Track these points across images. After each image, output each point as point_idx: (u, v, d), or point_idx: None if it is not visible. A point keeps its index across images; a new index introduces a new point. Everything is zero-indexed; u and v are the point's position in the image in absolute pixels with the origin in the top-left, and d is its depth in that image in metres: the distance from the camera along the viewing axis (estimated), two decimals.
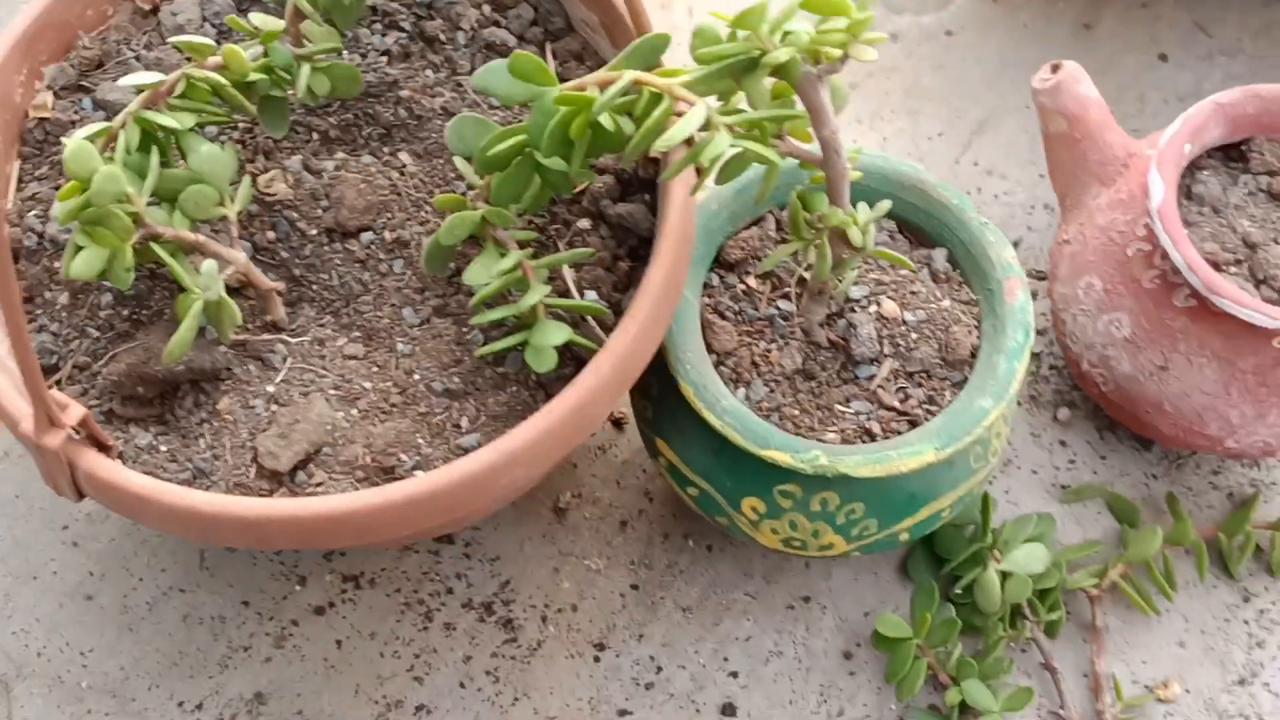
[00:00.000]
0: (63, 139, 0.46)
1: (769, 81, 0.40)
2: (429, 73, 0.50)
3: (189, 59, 0.45)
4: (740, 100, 0.41)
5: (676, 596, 0.57)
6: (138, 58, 0.50)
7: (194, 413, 0.44)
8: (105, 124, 0.42)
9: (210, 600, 0.56)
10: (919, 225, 0.51)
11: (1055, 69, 0.53)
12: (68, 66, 0.49)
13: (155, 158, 0.42)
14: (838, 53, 0.38)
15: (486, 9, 0.51)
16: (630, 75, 0.39)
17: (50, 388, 0.45)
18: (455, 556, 0.58)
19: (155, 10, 0.51)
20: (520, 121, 0.47)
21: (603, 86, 0.40)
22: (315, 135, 0.49)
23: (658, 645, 0.56)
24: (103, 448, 0.41)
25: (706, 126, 0.38)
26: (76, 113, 0.49)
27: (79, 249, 0.41)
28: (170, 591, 0.56)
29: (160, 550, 0.57)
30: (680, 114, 0.38)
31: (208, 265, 0.42)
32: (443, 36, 0.50)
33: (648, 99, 0.39)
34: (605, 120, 0.39)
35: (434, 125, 0.49)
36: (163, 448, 0.43)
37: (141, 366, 0.43)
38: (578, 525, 0.58)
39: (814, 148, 0.42)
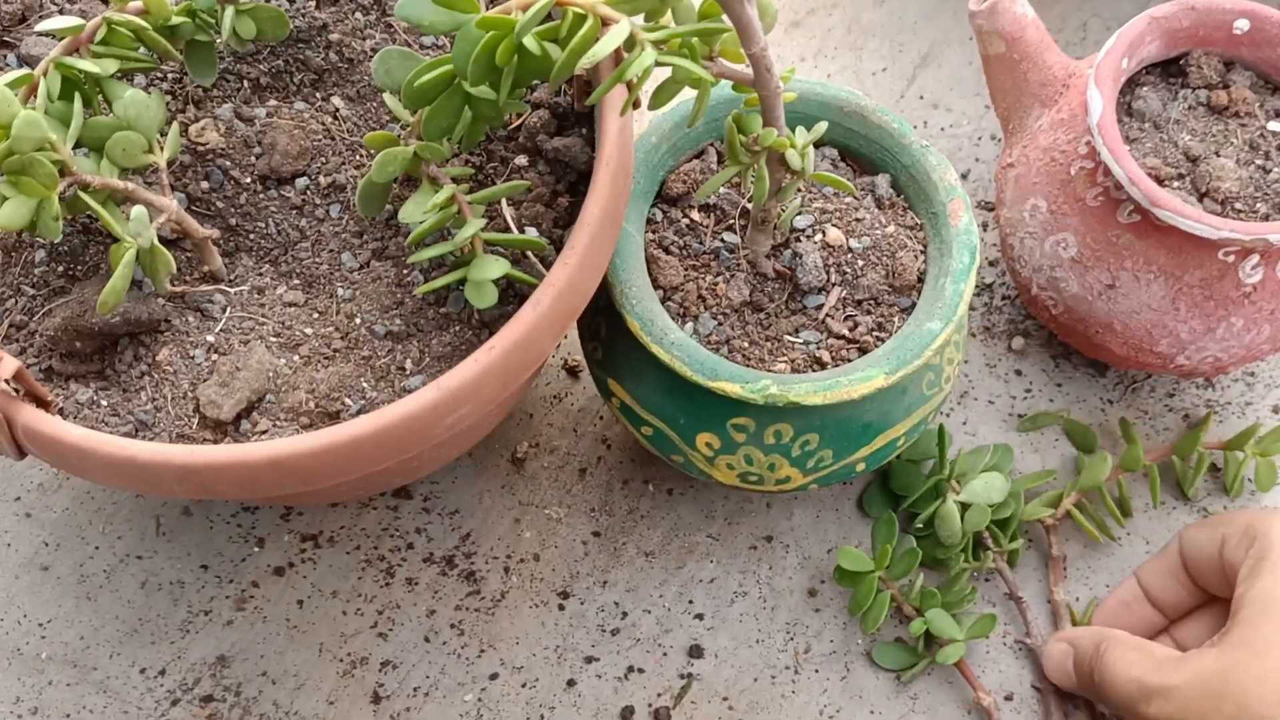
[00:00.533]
0: None
1: None
2: (358, 15, 0.49)
3: (107, 3, 0.45)
4: (668, 21, 0.40)
5: (639, 542, 0.57)
6: (61, 11, 0.49)
7: (134, 366, 0.43)
8: (26, 71, 0.41)
9: (168, 566, 0.56)
10: (860, 151, 0.51)
11: None
12: None
13: (78, 104, 0.41)
14: None
15: None
16: None
17: None
18: (414, 511, 0.57)
19: None
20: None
21: (525, 10, 0.39)
22: (245, 83, 0.48)
23: (622, 591, 0.55)
24: (41, 403, 0.41)
25: (631, 45, 0.37)
26: (2, 67, 0.48)
27: (3, 200, 0.40)
28: (127, 559, 0.56)
29: (115, 518, 0.57)
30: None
31: (137, 211, 0.41)
32: None
33: (572, 20, 0.39)
34: (530, 44, 0.38)
35: (365, 69, 0.48)
36: (104, 402, 0.43)
37: (77, 320, 0.42)
38: (536, 475, 0.58)
39: (746, 68, 0.42)
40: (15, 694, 0.53)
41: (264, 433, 0.42)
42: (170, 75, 0.48)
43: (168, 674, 0.54)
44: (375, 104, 0.48)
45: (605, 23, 0.38)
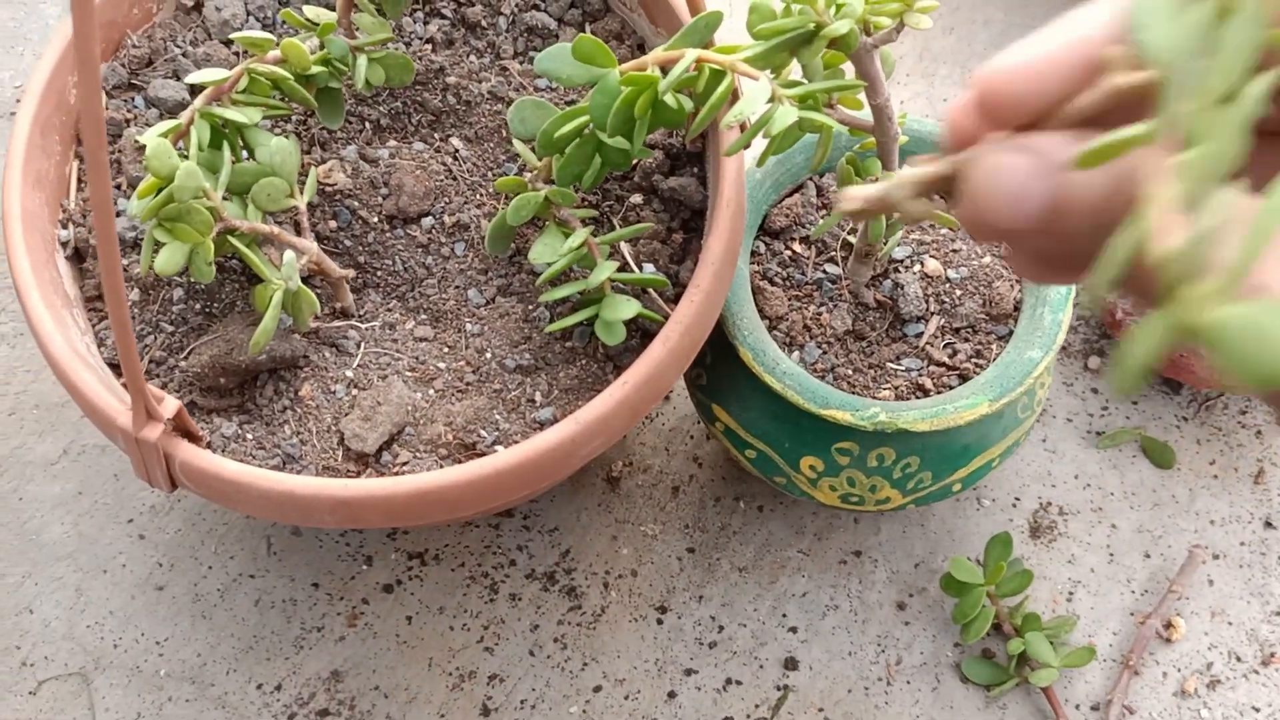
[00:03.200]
0: (132, 138, 0.47)
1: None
2: (473, 58, 0.51)
3: (243, 54, 0.46)
4: (790, 73, 0.42)
5: (732, 557, 0.59)
6: (184, 54, 0.50)
7: (275, 400, 0.45)
8: (174, 121, 0.43)
9: (280, 584, 0.58)
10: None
11: None
12: (118, 65, 0.50)
13: (227, 152, 0.43)
14: (891, 22, 0.40)
15: None
16: (694, 54, 0.40)
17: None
18: (515, 529, 0.59)
19: (199, 7, 0.51)
20: (573, 103, 0.49)
21: (662, 66, 0.41)
22: (367, 125, 0.50)
23: (718, 605, 0.58)
24: (193, 438, 0.43)
25: (770, 100, 0.39)
26: (130, 110, 0.49)
27: (159, 245, 0.42)
28: (240, 578, 0.58)
29: (227, 539, 0.59)
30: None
31: (289, 256, 0.43)
32: (484, 22, 0.51)
33: (709, 76, 0.41)
34: (669, 99, 0.40)
35: (482, 110, 0.50)
36: (249, 436, 0.44)
37: (224, 358, 0.44)
38: (631, 493, 0.60)
39: (863, 114, 0.43)
40: (136, 710, 0.55)
41: (405, 464, 0.44)
42: (294, 118, 0.49)
43: (284, 689, 0.56)
44: (493, 144, 0.50)
45: (739, 75, 0.40)
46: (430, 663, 0.56)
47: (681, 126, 0.44)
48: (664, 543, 0.59)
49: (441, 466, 0.44)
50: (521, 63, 0.51)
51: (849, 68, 0.43)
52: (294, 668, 0.56)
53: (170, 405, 0.40)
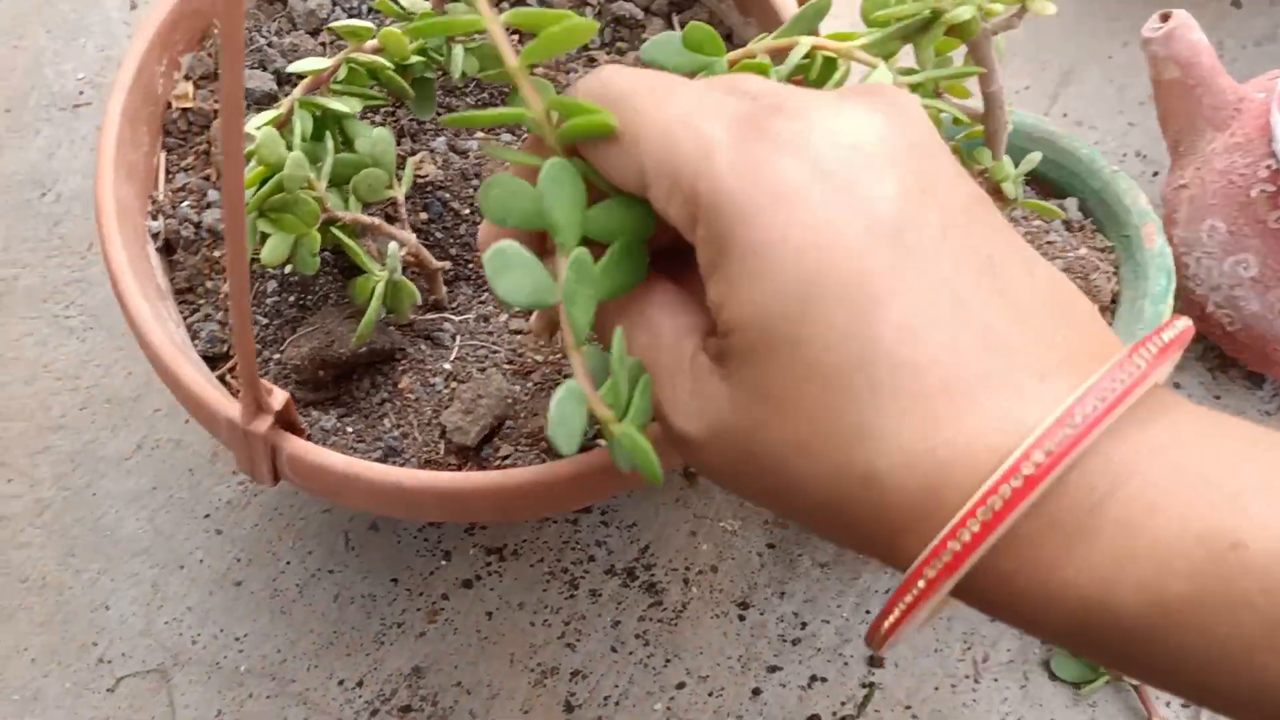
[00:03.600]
0: (211, 127, 0.47)
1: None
2: None
3: (330, 45, 0.46)
4: (897, 61, 0.41)
5: (813, 554, 0.58)
6: (269, 44, 0.50)
7: (373, 393, 0.45)
8: (275, 111, 0.42)
9: (359, 580, 0.57)
10: (1047, 175, 0.52)
11: (1165, 18, 0.54)
12: (204, 55, 0.49)
13: (330, 142, 0.42)
14: (1008, 9, 0.39)
15: None
16: (809, 42, 0.39)
17: (225, 376, 0.45)
18: (593, 525, 0.59)
19: None
20: None
21: (771, 53, 0.41)
22: None
23: (800, 602, 0.57)
24: (296, 431, 0.42)
25: None
26: (217, 101, 0.49)
27: (262, 237, 0.41)
28: (319, 574, 0.57)
29: (304, 534, 0.58)
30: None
31: (393, 247, 0.43)
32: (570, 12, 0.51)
33: (821, 63, 0.40)
34: None
35: None
36: (348, 429, 0.44)
37: (324, 350, 0.44)
38: (709, 488, 0.60)
39: (971, 103, 0.43)
40: (217, 707, 0.55)
41: (505, 457, 0.44)
42: (383, 109, 0.49)
43: (365, 685, 0.55)
44: None
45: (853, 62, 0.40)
46: (511, 659, 0.56)
47: None
48: (744, 539, 0.58)
49: (543, 461, 0.43)
50: (609, 53, 0.51)
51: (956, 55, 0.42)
52: (375, 664, 0.56)
53: (279, 398, 0.40)
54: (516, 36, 0.50)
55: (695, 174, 0.29)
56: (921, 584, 0.28)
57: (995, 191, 0.45)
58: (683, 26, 0.52)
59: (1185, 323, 0.29)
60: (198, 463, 0.59)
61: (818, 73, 0.40)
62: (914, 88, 0.40)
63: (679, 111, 0.30)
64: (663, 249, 0.33)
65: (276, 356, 0.45)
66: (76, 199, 0.64)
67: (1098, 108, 0.69)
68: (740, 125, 0.29)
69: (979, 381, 0.27)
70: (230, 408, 0.40)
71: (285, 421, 0.42)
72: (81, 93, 0.66)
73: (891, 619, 0.29)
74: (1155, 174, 0.66)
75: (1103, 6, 0.72)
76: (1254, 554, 0.25)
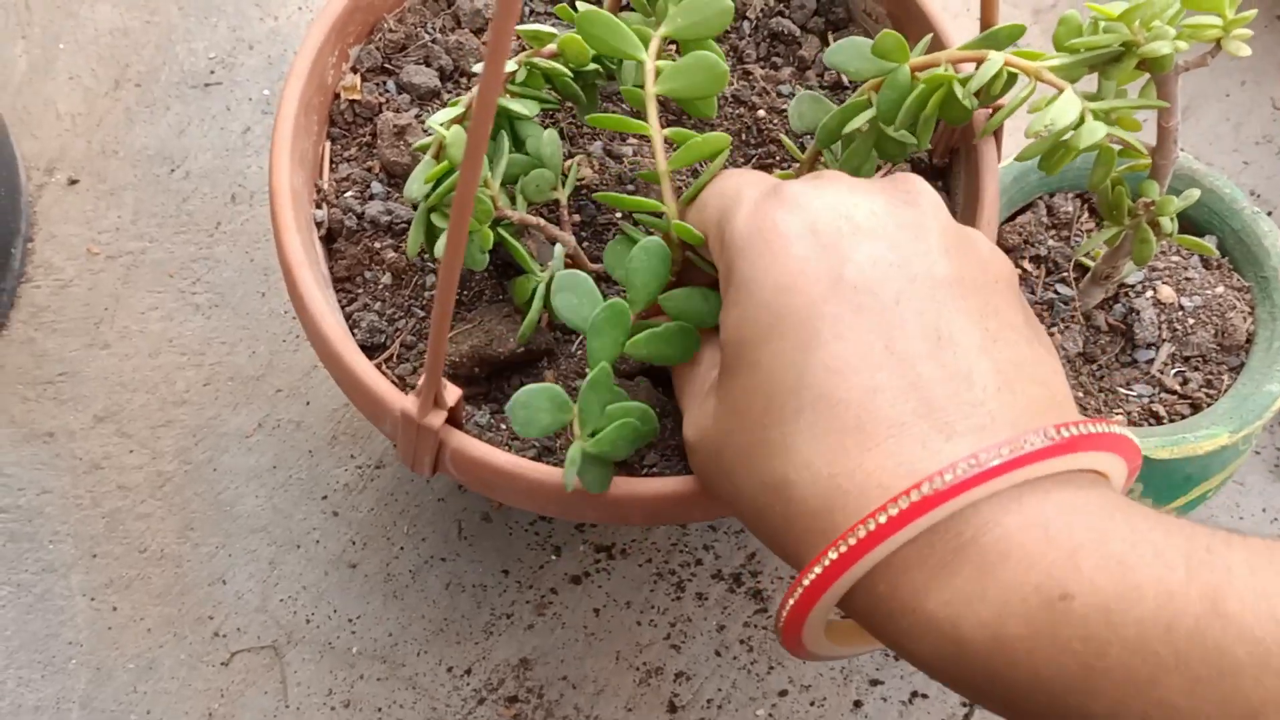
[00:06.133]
0: (390, 122, 0.48)
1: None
2: None
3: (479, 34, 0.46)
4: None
5: None
6: (434, 41, 0.51)
7: None
8: (457, 109, 0.43)
9: (471, 569, 0.58)
10: (1187, 211, 0.53)
11: None
12: (373, 49, 0.50)
13: (505, 143, 0.43)
14: (1202, 48, 0.40)
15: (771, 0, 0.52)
16: (1001, 57, 0.40)
17: (380, 366, 0.46)
18: (701, 529, 0.59)
19: None
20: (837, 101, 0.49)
21: (955, 63, 0.41)
22: None
23: None
24: (459, 426, 0.43)
25: (1080, 113, 0.39)
26: (383, 94, 0.50)
27: (433, 231, 0.42)
28: (432, 560, 0.58)
29: (419, 520, 0.59)
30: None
31: (558, 249, 0.43)
32: (729, 26, 0.51)
33: (1005, 79, 0.41)
34: (965, 100, 0.40)
35: (724, 113, 0.50)
36: (502, 426, 0.45)
37: (484, 349, 0.44)
38: None
39: (1140, 136, 0.43)
40: (328, 686, 0.56)
41: (652, 466, 0.44)
42: (544, 110, 0.50)
43: (473, 673, 0.56)
44: (735, 145, 0.50)
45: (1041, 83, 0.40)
46: (617, 656, 0.57)
47: (960, 124, 0.44)
48: None
49: (688, 472, 0.44)
50: (764, 67, 0.51)
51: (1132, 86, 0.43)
52: (483, 653, 0.57)
53: (453, 394, 0.40)
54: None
55: (725, 222, 0.37)
56: (800, 590, 0.32)
57: (1153, 224, 0.45)
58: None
59: (1116, 429, 0.32)
60: (317, 444, 0.60)
61: (1000, 87, 0.41)
62: (1096, 115, 0.40)
63: (734, 183, 0.38)
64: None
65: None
66: (205, 177, 0.65)
67: (1214, 144, 0.69)
68: (767, 189, 0.37)
69: (891, 427, 0.31)
70: (403, 400, 0.41)
71: (453, 417, 0.43)
72: (213, 72, 0.67)
73: (784, 614, 0.33)
74: (1269, 214, 0.66)
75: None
76: (1077, 606, 0.28)
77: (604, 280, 0.48)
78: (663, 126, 0.42)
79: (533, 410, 0.39)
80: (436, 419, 0.40)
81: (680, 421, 0.42)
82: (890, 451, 0.31)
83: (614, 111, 0.50)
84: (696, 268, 0.42)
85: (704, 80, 0.42)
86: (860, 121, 0.42)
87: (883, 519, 0.30)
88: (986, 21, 0.43)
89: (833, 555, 0.31)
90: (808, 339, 0.33)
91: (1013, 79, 0.41)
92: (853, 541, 0.31)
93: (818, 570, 0.31)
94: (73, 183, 0.65)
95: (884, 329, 0.33)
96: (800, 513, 0.32)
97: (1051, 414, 0.33)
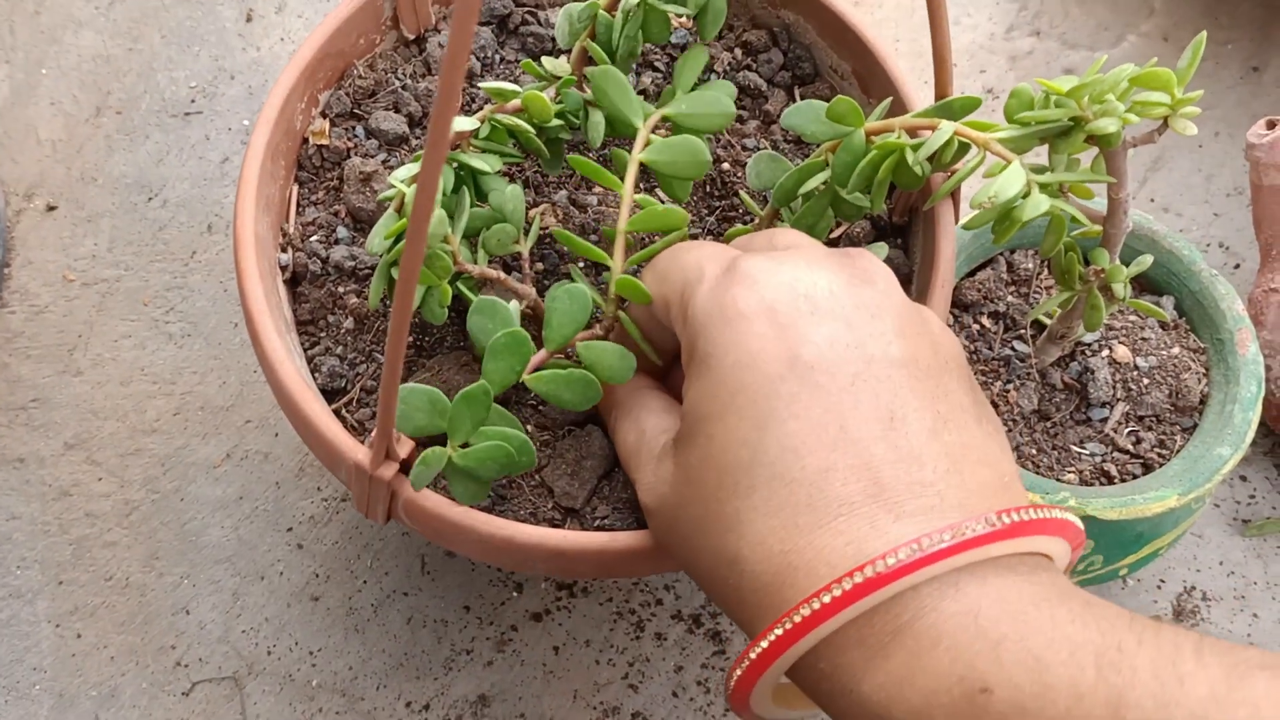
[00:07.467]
0: (356, 168, 0.48)
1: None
2: None
3: (471, 80, 0.47)
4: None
5: None
6: (404, 87, 0.51)
7: None
8: (418, 166, 0.44)
9: (433, 604, 0.59)
10: (1146, 272, 0.53)
11: (1272, 125, 0.55)
12: (343, 94, 0.51)
13: (467, 198, 0.44)
14: (1149, 125, 0.40)
15: (738, 53, 0.53)
16: (951, 127, 0.41)
17: (341, 410, 0.47)
18: None
19: (420, 40, 0.52)
20: (796, 160, 0.49)
21: (910, 131, 0.42)
22: (575, 171, 0.50)
23: None
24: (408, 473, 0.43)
25: (1025, 185, 0.40)
26: (351, 139, 0.50)
27: (393, 284, 0.43)
28: (394, 595, 0.59)
29: (382, 554, 0.60)
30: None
31: (513, 305, 0.44)
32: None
33: (956, 148, 0.41)
34: (917, 166, 0.41)
35: None
36: None
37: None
38: None
39: (1095, 205, 0.44)
40: (288, 718, 0.56)
41: (604, 518, 0.45)
42: (508, 159, 0.50)
43: (431, 709, 0.57)
44: (696, 198, 0.51)
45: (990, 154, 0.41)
46: (575, 695, 0.57)
47: (914, 189, 0.44)
48: None
49: (640, 525, 0.45)
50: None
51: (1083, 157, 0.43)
52: (443, 688, 0.57)
53: (405, 446, 0.41)
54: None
55: (687, 296, 0.38)
56: (747, 662, 0.33)
57: (1105, 289, 0.46)
58: (803, 99, 0.53)
59: (1058, 513, 0.33)
60: (284, 476, 0.61)
61: (951, 155, 0.41)
62: (1042, 187, 0.41)
63: (694, 257, 0.39)
64: (670, 363, 0.44)
65: None
66: (182, 206, 0.65)
67: (1185, 195, 0.70)
68: (725, 264, 0.37)
69: (842, 506, 0.32)
70: (358, 451, 0.41)
71: (405, 467, 0.43)
72: (193, 101, 0.68)
73: (731, 683, 0.34)
74: (1237, 266, 0.67)
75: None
76: (996, 699, 0.28)
77: None
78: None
79: (410, 408, 0.40)
80: (389, 470, 0.41)
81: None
82: (839, 530, 0.32)
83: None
84: (624, 327, 0.43)
85: (687, 162, 0.43)
86: (816, 183, 0.43)
87: (827, 599, 0.31)
88: (940, 92, 0.44)
89: (778, 631, 0.32)
90: (764, 416, 0.34)
91: (964, 148, 0.42)
92: (797, 619, 0.32)
93: (764, 644, 0.33)
94: (51, 209, 0.65)
95: (839, 410, 0.33)
96: (752, 587, 0.33)
97: (999, 495, 0.33)
